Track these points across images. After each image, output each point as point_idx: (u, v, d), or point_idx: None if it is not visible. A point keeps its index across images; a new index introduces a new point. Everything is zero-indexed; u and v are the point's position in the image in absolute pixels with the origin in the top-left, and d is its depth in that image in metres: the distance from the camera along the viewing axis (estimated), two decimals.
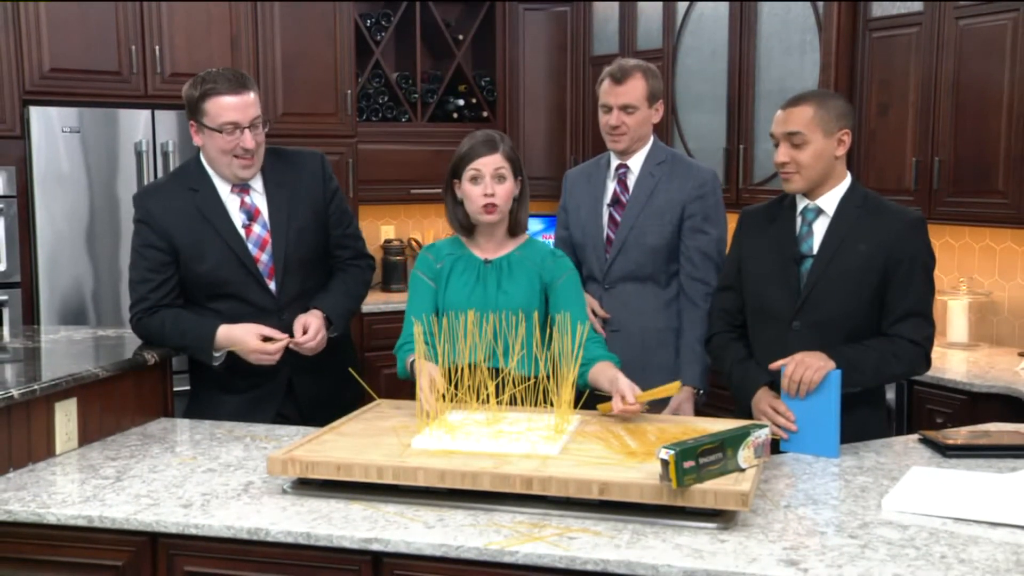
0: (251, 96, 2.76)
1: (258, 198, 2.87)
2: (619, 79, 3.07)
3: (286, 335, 2.76)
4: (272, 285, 2.85)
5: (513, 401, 2.45)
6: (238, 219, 2.84)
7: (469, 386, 2.40)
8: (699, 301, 3.03)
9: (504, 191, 2.58)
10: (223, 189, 2.85)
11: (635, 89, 3.06)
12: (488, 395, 2.39)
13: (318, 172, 2.94)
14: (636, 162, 3.14)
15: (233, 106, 2.72)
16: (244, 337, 2.74)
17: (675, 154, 3.20)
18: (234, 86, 2.73)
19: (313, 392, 2.91)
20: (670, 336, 3.09)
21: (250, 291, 2.84)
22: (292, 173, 2.90)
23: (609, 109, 3.09)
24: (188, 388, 3.02)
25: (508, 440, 2.21)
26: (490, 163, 2.57)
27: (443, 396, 2.37)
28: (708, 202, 3.07)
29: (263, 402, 2.88)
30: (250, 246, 2.84)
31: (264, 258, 2.85)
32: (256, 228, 2.85)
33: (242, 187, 2.85)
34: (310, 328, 2.78)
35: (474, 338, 2.42)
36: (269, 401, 2.88)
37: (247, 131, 2.74)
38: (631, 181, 3.13)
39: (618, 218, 3.11)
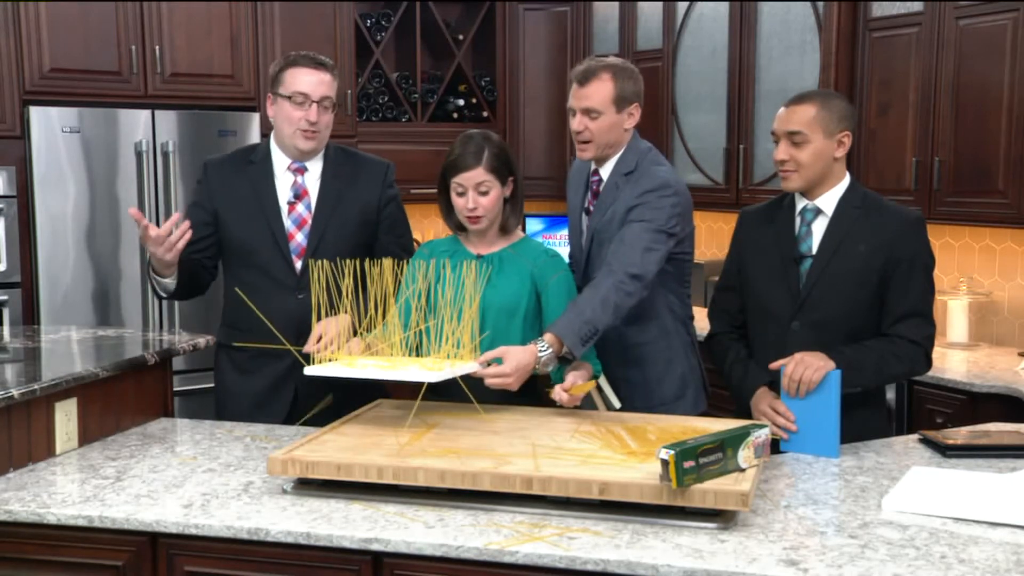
0: (327, 76, 2.87)
1: (311, 180, 2.94)
2: (581, 81, 2.79)
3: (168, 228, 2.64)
4: (298, 265, 2.88)
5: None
6: (285, 195, 2.92)
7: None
8: (603, 281, 2.59)
9: (487, 202, 2.59)
10: (280, 164, 2.93)
11: (598, 92, 2.77)
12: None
13: (379, 177, 3.00)
14: (606, 171, 2.87)
15: (307, 80, 2.83)
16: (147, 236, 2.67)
17: (647, 159, 2.85)
18: (314, 63, 2.86)
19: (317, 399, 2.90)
20: (647, 351, 2.89)
21: (274, 265, 2.88)
22: (352, 170, 2.98)
23: (574, 113, 2.82)
24: (187, 388, 3.02)
25: (393, 369, 2.36)
26: (472, 178, 2.57)
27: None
28: (649, 207, 2.71)
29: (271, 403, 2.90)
30: (289, 222, 2.90)
31: (299, 237, 2.90)
32: (299, 207, 2.91)
33: (299, 167, 2.92)
34: (327, 335, 2.62)
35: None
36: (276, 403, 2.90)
37: (315, 105, 2.83)
38: (602, 191, 2.92)
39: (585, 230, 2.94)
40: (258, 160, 2.96)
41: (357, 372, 2.39)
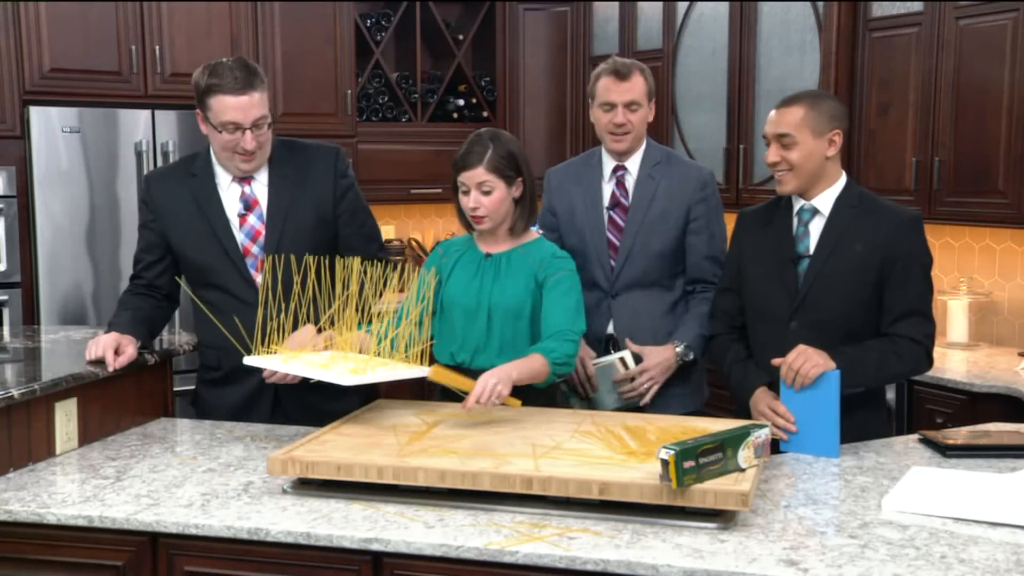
0: (256, 96, 2.66)
1: (259, 188, 2.80)
2: (623, 75, 2.97)
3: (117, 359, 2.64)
4: (258, 278, 2.76)
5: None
6: (234, 208, 2.78)
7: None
8: (704, 304, 2.97)
9: (490, 202, 2.59)
10: (224, 177, 2.80)
11: (638, 85, 2.97)
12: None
13: (330, 168, 2.84)
14: (634, 163, 3.03)
15: (236, 106, 2.64)
16: (96, 341, 2.68)
17: (669, 153, 3.11)
18: (240, 85, 2.64)
19: (304, 402, 2.81)
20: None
21: (232, 282, 2.77)
22: (300, 166, 2.83)
23: (612, 107, 2.97)
24: (187, 388, 3.01)
25: (321, 368, 2.41)
26: (473, 177, 2.57)
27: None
28: (711, 203, 3.01)
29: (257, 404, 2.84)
30: (242, 236, 2.78)
31: (255, 250, 2.78)
32: (251, 219, 2.79)
33: (244, 176, 2.79)
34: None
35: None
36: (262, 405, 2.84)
37: (248, 132, 2.67)
38: (630, 183, 3.02)
39: (621, 223, 3.00)
40: (199, 172, 2.80)
41: (287, 367, 2.46)
